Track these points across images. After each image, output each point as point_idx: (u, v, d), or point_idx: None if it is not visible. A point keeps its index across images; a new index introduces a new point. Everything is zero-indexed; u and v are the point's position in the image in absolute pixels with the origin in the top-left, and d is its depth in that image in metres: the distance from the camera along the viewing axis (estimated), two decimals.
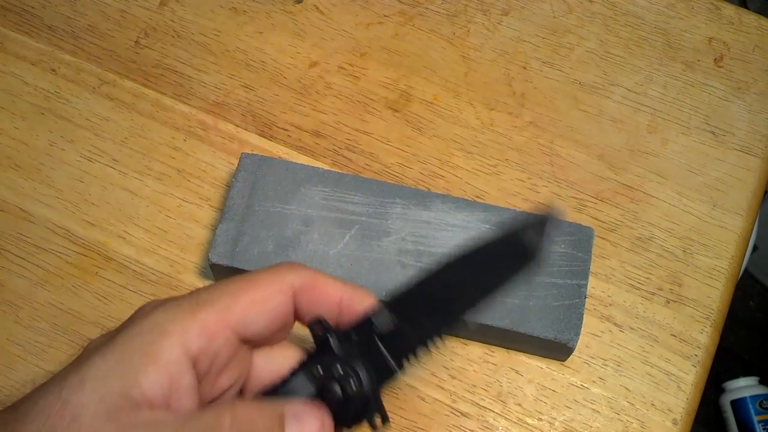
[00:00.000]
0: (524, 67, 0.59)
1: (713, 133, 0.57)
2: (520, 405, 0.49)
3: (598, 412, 0.49)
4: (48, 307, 0.50)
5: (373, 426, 0.34)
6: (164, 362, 0.31)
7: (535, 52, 0.59)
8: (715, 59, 0.59)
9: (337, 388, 0.33)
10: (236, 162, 0.51)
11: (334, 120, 0.57)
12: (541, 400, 0.49)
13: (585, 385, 0.50)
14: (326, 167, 0.53)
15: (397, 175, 0.55)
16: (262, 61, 0.58)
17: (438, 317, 0.35)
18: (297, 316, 0.35)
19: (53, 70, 0.57)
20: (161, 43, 0.59)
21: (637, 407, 0.49)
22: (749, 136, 0.57)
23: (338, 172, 0.51)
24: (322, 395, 0.33)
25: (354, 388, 0.33)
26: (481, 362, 0.50)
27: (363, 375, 0.34)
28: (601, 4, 0.61)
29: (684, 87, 0.58)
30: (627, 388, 0.50)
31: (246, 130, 0.56)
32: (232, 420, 0.30)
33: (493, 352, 0.50)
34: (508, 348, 0.50)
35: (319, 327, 0.35)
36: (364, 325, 0.35)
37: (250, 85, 0.57)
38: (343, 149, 0.56)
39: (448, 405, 0.49)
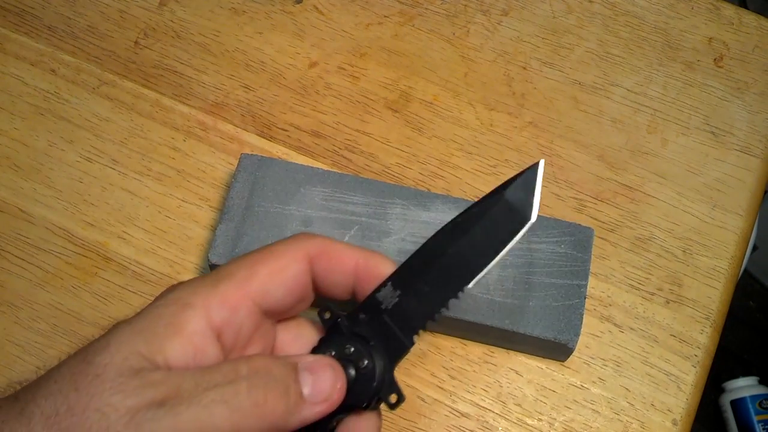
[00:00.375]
0: (524, 68, 0.59)
1: (713, 133, 0.57)
2: (519, 405, 0.49)
3: (597, 412, 0.49)
4: (47, 308, 0.50)
5: (389, 405, 0.34)
6: (189, 333, 0.31)
7: (534, 53, 0.59)
8: (714, 59, 0.59)
9: (351, 368, 0.34)
10: (236, 162, 0.51)
11: (333, 120, 0.57)
12: (541, 401, 0.49)
13: (585, 385, 0.50)
14: (326, 168, 0.53)
15: (397, 175, 0.55)
16: (262, 62, 0.58)
17: (441, 287, 0.35)
18: (315, 285, 0.36)
19: (53, 70, 0.57)
20: (161, 44, 0.59)
21: (637, 407, 0.49)
22: (749, 136, 0.57)
23: (338, 173, 0.51)
24: None
25: (367, 366, 0.34)
26: (481, 363, 0.50)
27: (375, 353, 0.34)
28: (601, 5, 0.61)
29: (684, 87, 0.58)
30: (627, 389, 0.50)
31: (245, 130, 0.56)
32: (248, 369, 0.31)
33: (492, 352, 0.50)
34: (507, 348, 0.50)
35: (327, 313, 0.35)
36: (371, 303, 0.35)
37: (249, 86, 0.57)
38: (343, 149, 0.56)
39: (447, 405, 0.49)
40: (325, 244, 0.35)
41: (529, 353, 0.50)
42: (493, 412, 0.49)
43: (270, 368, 0.32)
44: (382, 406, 0.34)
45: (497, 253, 0.35)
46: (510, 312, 0.47)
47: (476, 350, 0.50)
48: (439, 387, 0.49)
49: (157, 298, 0.33)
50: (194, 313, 0.32)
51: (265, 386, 0.31)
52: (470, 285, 0.35)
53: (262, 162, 0.50)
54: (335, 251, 0.35)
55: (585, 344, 0.50)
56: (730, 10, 0.61)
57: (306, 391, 0.32)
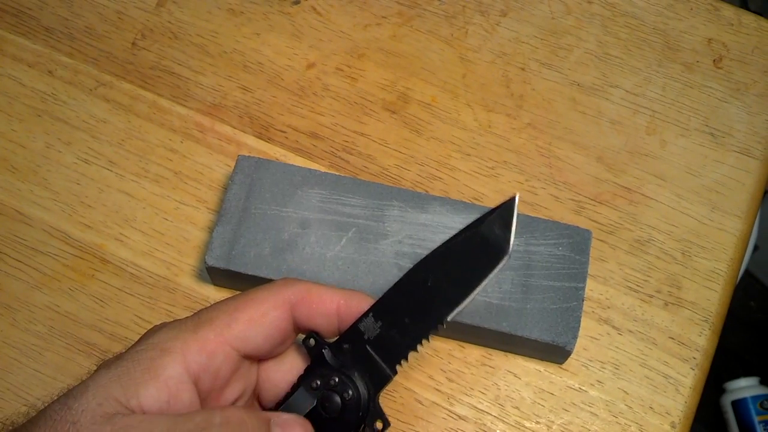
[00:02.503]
0: (522, 69, 0.59)
1: (712, 134, 0.57)
2: (517, 408, 0.49)
3: (596, 415, 0.49)
4: (44, 310, 0.50)
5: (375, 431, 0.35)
6: (164, 378, 0.32)
7: (533, 54, 0.59)
8: (714, 60, 0.59)
9: (337, 398, 0.35)
10: (233, 164, 0.51)
11: (331, 122, 0.56)
12: (539, 404, 0.49)
13: (583, 388, 0.49)
14: (323, 169, 0.53)
15: (395, 177, 0.55)
16: (260, 63, 0.58)
17: (421, 319, 0.36)
18: (298, 327, 0.37)
19: (50, 71, 0.57)
20: (158, 45, 0.58)
21: (635, 410, 0.49)
22: (748, 137, 0.57)
23: (335, 175, 0.50)
24: (323, 406, 0.35)
25: (352, 396, 0.35)
26: (479, 365, 0.50)
27: (359, 383, 0.35)
28: (600, 5, 0.61)
29: (683, 88, 0.58)
30: (625, 391, 0.49)
31: (243, 132, 0.56)
32: (221, 419, 0.32)
33: (490, 355, 0.50)
34: (505, 351, 0.50)
35: (312, 341, 0.36)
36: (354, 333, 0.36)
37: (247, 87, 0.57)
38: (341, 151, 0.56)
39: (445, 408, 0.49)
40: (305, 289, 0.36)
41: (527, 356, 0.50)
42: (491, 414, 0.49)
43: (244, 421, 0.33)
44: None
45: (476, 287, 0.36)
46: (508, 315, 0.47)
47: (474, 353, 0.50)
48: (437, 390, 0.49)
49: (139, 341, 0.34)
50: (172, 358, 0.33)
51: None
52: (449, 318, 0.36)
53: (259, 164, 0.50)
54: (316, 296, 0.36)
55: (583, 347, 0.50)
56: (730, 11, 0.61)
57: None
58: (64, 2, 0.60)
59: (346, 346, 0.36)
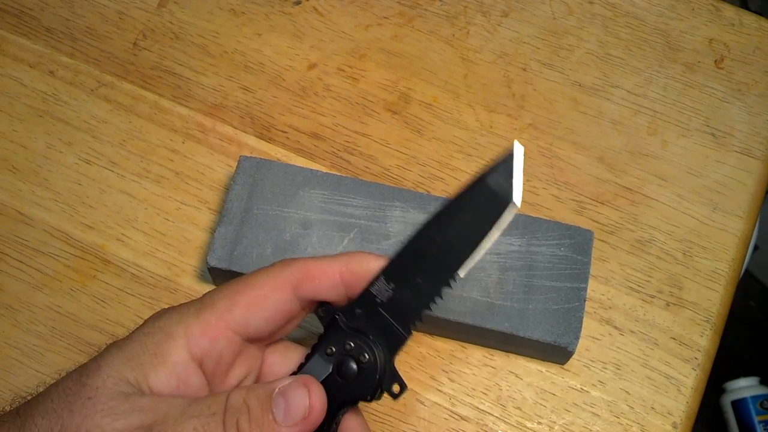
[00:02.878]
0: (524, 69, 0.59)
1: (713, 135, 0.57)
2: (519, 409, 0.49)
3: (597, 415, 0.49)
4: (46, 311, 0.50)
5: (392, 395, 0.35)
6: (172, 363, 0.33)
7: (534, 54, 0.59)
8: (715, 61, 0.59)
9: (353, 363, 0.35)
10: (235, 164, 0.51)
11: (332, 122, 0.56)
12: (541, 404, 0.49)
13: (585, 388, 0.49)
14: (325, 170, 0.53)
15: (397, 177, 0.55)
16: (261, 63, 0.58)
17: (432, 277, 0.36)
18: (306, 304, 0.37)
19: (51, 72, 0.57)
20: (159, 45, 0.58)
21: (637, 411, 0.49)
22: (749, 138, 0.57)
23: (337, 175, 0.50)
24: (339, 372, 0.35)
25: (368, 360, 0.35)
26: (481, 366, 0.50)
27: (374, 346, 0.35)
28: (601, 6, 0.61)
29: (684, 89, 0.58)
30: (627, 392, 0.49)
31: (244, 132, 0.56)
32: (229, 401, 0.33)
33: (492, 355, 0.50)
34: (507, 351, 0.50)
35: (324, 310, 0.36)
36: (366, 297, 0.36)
37: (248, 87, 0.57)
38: (342, 151, 0.56)
39: (447, 409, 0.49)
40: (304, 267, 0.36)
41: (528, 356, 0.50)
42: (493, 415, 0.49)
43: (247, 399, 0.33)
44: (387, 396, 0.36)
45: (483, 239, 0.36)
46: (510, 315, 0.47)
47: (476, 353, 0.50)
48: (439, 390, 0.49)
49: (144, 324, 0.35)
50: (176, 344, 0.33)
51: (240, 417, 0.32)
52: (462, 274, 0.36)
53: (261, 164, 0.50)
54: (316, 270, 0.36)
55: (585, 347, 0.50)
56: (731, 12, 0.61)
57: (279, 416, 0.33)
58: (65, 2, 0.60)
59: (359, 310, 0.36)
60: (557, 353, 0.48)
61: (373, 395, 0.35)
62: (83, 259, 0.52)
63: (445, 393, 0.49)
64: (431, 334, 0.50)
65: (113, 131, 0.56)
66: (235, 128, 0.56)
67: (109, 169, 0.54)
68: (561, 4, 0.61)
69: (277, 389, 0.34)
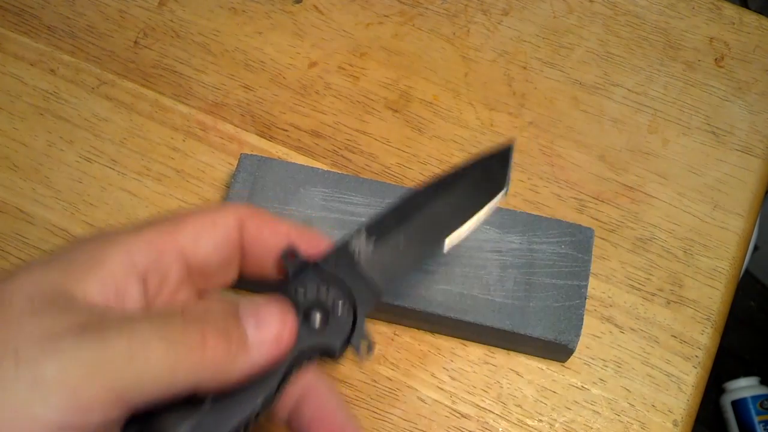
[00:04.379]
0: (524, 68, 0.59)
1: (714, 133, 0.57)
2: (520, 406, 0.49)
3: (598, 413, 0.49)
4: None
5: (358, 353, 0.32)
6: (110, 268, 0.27)
7: (535, 52, 0.59)
8: (715, 59, 0.59)
9: (321, 312, 0.32)
10: (235, 163, 0.51)
11: (333, 120, 0.56)
12: (542, 402, 0.49)
13: (585, 386, 0.49)
14: (326, 168, 0.53)
15: (397, 175, 0.55)
16: (262, 62, 0.58)
17: (416, 242, 0.35)
18: (244, 255, 0.33)
19: (52, 70, 0.57)
20: (160, 44, 0.58)
21: (638, 408, 0.49)
22: (750, 136, 0.57)
23: (338, 173, 0.50)
24: (306, 318, 0.31)
25: (340, 310, 0.32)
26: (481, 363, 0.50)
27: (346, 299, 0.32)
28: (602, 4, 0.61)
29: (685, 87, 0.58)
30: (627, 390, 0.49)
31: (245, 130, 0.56)
32: (183, 305, 0.28)
33: (493, 353, 0.50)
34: (508, 349, 0.50)
35: (292, 254, 0.33)
36: (342, 248, 0.34)
37: (249, 86, 0.57)
38: (343, 150, 0.56)
39: (448, 406, 0.49)
40: (257, 209, 0.32)
41: (529, 354, 0.50)
42: (494, 413, 0.49)
43: (208, 306, 0.28)
44: (353, 356, 0.32)
45: (471, 216, 0.36)
46: (510, 313, 0.47)
47: (476, 351, 0.50)
48: (439, 388, 0.49)
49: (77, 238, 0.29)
50: (115, 249, 0.28)
51: (202, 324, 0.27)
52: (445, 249, 0.35)
53: (261, 162, 0.50)
54: (267, 216, 0.32)
55: (585, 345, 0.50)
56: (731, 10, 0.61)
57: (250, 330, 0.28)
58: (66, 1, 0.60)
59: (333, 261, 0.33)
60: (558, 351, 0.48)
61: (337, 352, 0.31)
62: None
63: (445, 391, 0.49)
64: (432, 331, 0.50)
65: (114, 129, 0.56)
66: (236, 126, 0.56)
67: (110, 167, 0.54)
68: (561, 2, 0.61)
69: (244, 301, 0.29)
